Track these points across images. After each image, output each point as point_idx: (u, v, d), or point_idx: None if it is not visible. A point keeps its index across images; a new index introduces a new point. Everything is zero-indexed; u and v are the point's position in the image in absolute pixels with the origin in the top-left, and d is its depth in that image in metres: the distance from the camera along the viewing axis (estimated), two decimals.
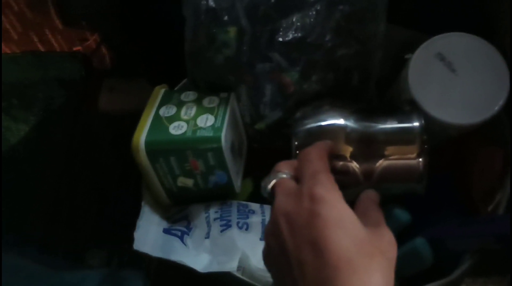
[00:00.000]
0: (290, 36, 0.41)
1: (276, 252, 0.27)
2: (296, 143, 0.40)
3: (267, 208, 0.43)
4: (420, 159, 0.37)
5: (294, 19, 0.40)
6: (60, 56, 0.76)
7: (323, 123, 0.41)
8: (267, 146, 0.48)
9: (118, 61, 0.78)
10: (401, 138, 0.38)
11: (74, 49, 0.76)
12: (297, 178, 0.30)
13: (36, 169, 0.63)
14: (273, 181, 0.31)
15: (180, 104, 0.44)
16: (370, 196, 0.32)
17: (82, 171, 0.67)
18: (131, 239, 0.37)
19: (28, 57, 0.73)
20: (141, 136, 0.41)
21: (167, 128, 0.41)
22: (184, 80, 0.49)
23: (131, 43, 0.73)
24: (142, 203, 0.42)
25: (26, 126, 0.67)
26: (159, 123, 0.42)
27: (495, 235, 0.34)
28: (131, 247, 0.37)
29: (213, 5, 0.40)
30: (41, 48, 0.76)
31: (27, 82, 0.70)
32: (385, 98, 0.49)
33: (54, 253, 0.58)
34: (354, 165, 0.39)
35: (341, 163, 0.39)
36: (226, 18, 0.40)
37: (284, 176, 0.31)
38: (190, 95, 0.45)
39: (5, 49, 0.74)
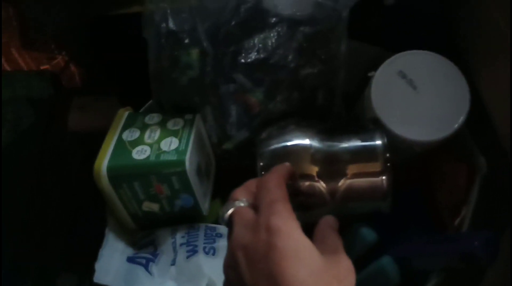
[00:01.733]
0: (253, 57, 0.41)
1: (234, 285, 0.27)
2: (261, 164, 0.40)
3: None
4: (384, 177, 0.38)
5: (256, 41, 0.40)
6: (27, 74, 0.74)
7: (288, 144, 0.40)
8: (236, 165, 0.48)
9: (88, 80, 0.77)
10: (364, 156, 0.39)
11: (42, 67, 0.75)
12: (255, 206, 0.30)
13: (5, 190, 0.61)
14: (231, 210, 0.30)
15: (144, 127, 0.43)
16: (328, 222, 0.31)
17: (53, 191, 0.65)
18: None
19: None
20: (103, 161, 0.40)
21: (130, 153, 0.40)
22: (149, 102, 0.49)
23: (100, 61, 0.72)
24: (106, 230, 0.41)
25: None
26: (122, 148, 0.41)
27: (459, 254, 0.34)
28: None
29: (174, 28, 0.40)
30: (8, 68, 0.74)
31: None
32: (352, 116, 0.49)
33: (25, 276, 0.56)
34: (321, 184, 0.39)
35: (307, 183, 0.39)
36: (187, 40, 0.40)
37: (242, 204, 0.30)
38: (154, 118, 0.44)
39: None
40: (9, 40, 0.72)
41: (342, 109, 0.49)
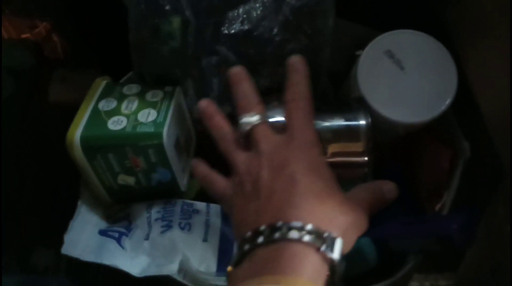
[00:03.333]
0: (237, 28, 0.39)
1: (246, 187, 0.30)
2: (241, 140, 0.39)
3: (213, 207, 0.41)
4: (366, 158, 0.37)
5: (240, 11, 0.39)
6: (9, 43, 0.71)
7: (270, 120, 0.39)
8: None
9: (70, 51, 0.74)
10: (346, 136, 0.38)
11: (23, 36, 0.72)
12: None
13: None
14: (253, 122, 0.33)
15: (121, 98, 0.41)
16: (381, 187, 0.33)
17: (31, 164, 0.64)
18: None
19: None
20: (77, 130, 0.38)
21: (106, 123, 0.39)
22: (130, 73, 0.47)
23: (82, 31, 0.69)
24: (79, 202, 0.40)
25: None
26: (97, 117, 0.39)
27: (436, 237, 0.33)
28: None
29: None
30: None
31: None
32: (339, 94, 0.48)
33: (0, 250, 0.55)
34: None
35: None
36: (168, 7, 0.38)
37: (262, 120, 0.33)
38: (133, 89, 0.43)
39: None
40: None
41: (328, 87, 0.48)
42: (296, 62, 0.35)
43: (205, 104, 0.36)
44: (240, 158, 0.33)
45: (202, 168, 0.36)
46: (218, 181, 0.34)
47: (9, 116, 0.65)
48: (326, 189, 0.29)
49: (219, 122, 0.35)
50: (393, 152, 0.45)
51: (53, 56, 0.74)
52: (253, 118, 0.33)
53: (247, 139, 0.33)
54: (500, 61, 0.35)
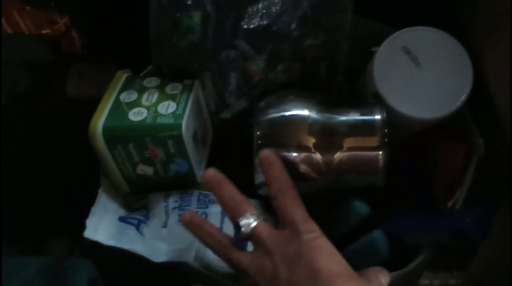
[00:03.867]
0: (256, 23, 0.40)
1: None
2: (258, 133, 0.39)
3: None
4: (380, 152, 0.37)
5: (260, 6, 0.39)
6: (27, 38, 0.73)
7: (286, 113, 0.40)
8: (232, 135, 0.48)
9: (89, 46, 0.76)
10: (362, 130, 0.38)
11: (43, 32, 0.74)
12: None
13: None
14: (253, 225, 0.33)
15: (142, 90, 0.43)
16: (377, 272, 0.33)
17: (47, 157, 0.65)
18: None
19: None
20: (99, 121, 0.39)
21: (127, 114, 0.40)
22: (149, 67, 0.48)
23: (101, 26, 0.71)
24: (99, 190, 0.41)
25: None
26: (118, 109, 0.40)
27: (450, 231, 0.34)
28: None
29: None
30: (8, 30, 0.73)
31: None
32: (354, 90, 0.49)
33: (17, 240, 0.56)
34: (317, 156, 0.39)
35: (304, 154, 0.39)
36: (190, 2, 0.39)
37: (258, 220, 0.33)
38: (153, 81, 0.44)
39: None
40: (11, 2, 0.71)
41: (343, 83, 0.48)
42: (267, 156, 0.36)
43: (188, 216, 0.35)
44: (245, 259, 0.32)
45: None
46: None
47: (26, 110, 0.66)
48: (345, 272, 0.30)
49: (209, 230, 0.35)
50: (409, 148, 0.46)
51: (71, 51, 0.76)
52: (250, 220, 0.33)
53: (248, 240, 0.34)
54: None
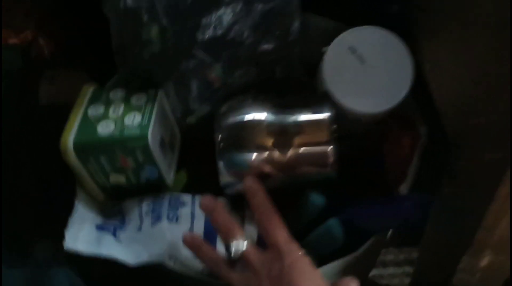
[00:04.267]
0: (210, 33, 0.42)
1: None
2: (220, 136, 0.42)
3: (198, 198, 0.45)
4: (330, 147, 0.41)
5: (212, 18, 0.42)
6: None
7: (245, 117, 0.43)
8: (199, 138, 0.50)
9: (57, 52, 0.77)
10: (313, 127, 0.42)
11: (10, 41, 0.74)
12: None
13: None
14: (242, 250, 0.37)
15: (108, 103, 0.45)
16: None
17: (24, 161, 0.67)
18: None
19: None
20: (69, 137, 0.42)
21: (95, 128, 0.42)
22: (115, 76, 0.50)
23: (69, 34, 0.72)
24: (76, 201, 0.43)
25: None
26: (87, 123, 0.43)
27: (393, 215, 0.38)
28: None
29: (132, 5, 0.41)
30: None
31: None
32: (314, 85, 0.52)
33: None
34: (276, 154, 0.42)
35: (264, 153, 0.42)
36: (146, 17, 0.41)
37: (247, 244, 0.37)
38: (118, 93, 0.46)
39: None
40: None
41: (304, 78, 0.51)
42: (251, 185, 0.39)
43: (189, 239, 0.39)
44: (235, 278, 0.37)
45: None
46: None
47: (1, 118, 0.67)
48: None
49: (207, 251, 0.39)
50: (362, 140, 0.49)
51: (40, 58, 0.77)
52: (240, 244, 0.37)
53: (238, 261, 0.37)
54: (449, 55, 0.39)
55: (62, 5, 0.66)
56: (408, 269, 0.62)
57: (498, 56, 0.27)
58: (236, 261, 0.37)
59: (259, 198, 0.39)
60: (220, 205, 0.40)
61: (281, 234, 0.37)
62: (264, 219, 0.38)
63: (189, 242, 0.39)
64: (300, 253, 0.36)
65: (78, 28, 0.69)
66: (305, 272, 0.35)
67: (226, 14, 0.42)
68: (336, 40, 0.45)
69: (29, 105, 0.70)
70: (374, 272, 0.62)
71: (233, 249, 0.37)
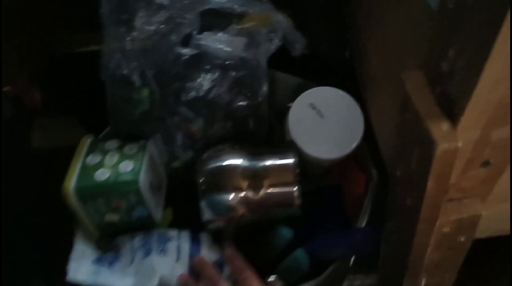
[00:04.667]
0: (193, 95, 0.51)
1: None
2: (200, 180, 0.50)
3: (183, 233, 0.52)
4: (295, 188, 0.49)
5: (195, 83, 0.50)
6: None
7: (222, 163, 0.51)
8: (184, 179, 0.58)
9: (49, 101, 0.83)
10: (280, 172, 0.50)
11: (4, 89, 0.80)
12: None
13: None
14: None
15: (104, 153, 0.52)
16: None
17: (16, 205, 0.71)
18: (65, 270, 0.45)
19: None
20: (71, 183, 0.48)
21: (93, 175, 0.49)
22: (107, 128, 0.57)
23: (60, 86, 0.78)
24: (75, 239, 0.50)
25: None
26: (86, 171, 0.50)
27: (347, 246, 0.45)
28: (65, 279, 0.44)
29: (126, 73, 0.49)
30: None
31: None
32: (282, 135, 0.60)
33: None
34: (250, 194, 0.50)
35: (240, 194, 0.50)
36: (138, 83, 0.49)
37: None
38: (113, 144, 0.53)
39: None
40: None
41: (276, 125, 0.59)
42: (230, 254, 0.48)
43: (183, 279, 0.47)
44: None
45: None
46: None
47: None
48: None
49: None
50: (326, 178, 0.57)
51: (33, 106, 0.83)
52: None
53: None
54: (383, 106, 0.47)
55: (56, 61, 0.73)
56: None
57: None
58: None
59: (239, 263, 0.46)
60: (207, 263, 0.48)
61: (256, 285, 0.44)
62: (246, 279, 0.44)
63: (183, 284, 0.46)
64: None
65: (70, 80, 0.76)
66: None
67: (206, 79, 0.50)
68: (299, 98, 0.54)
69: (21, 151, 0.75)
70: None
71: None
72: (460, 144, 0.26)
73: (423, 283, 0.42)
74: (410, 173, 0.32)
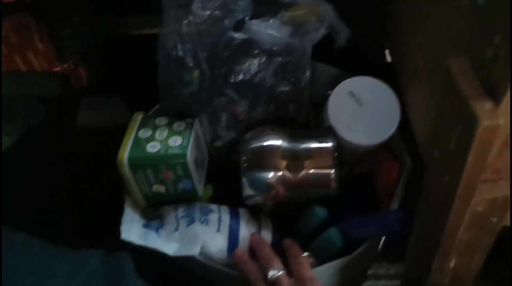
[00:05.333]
0: (240, 78, 0.54)
1: None
2: (243, 158, 0.53)
3: (223, 208, 0.56)
4: (332, 171, 0.51)
5: (243, 66, 0.54)
6: (40, 75, 0.84)
7: (264, 143, 0.54)
8: (223, 159, 0.61)
9: (95, 81, 0.88)
10: (319, 155, 0.52)
11: (54, 69, 0.86)
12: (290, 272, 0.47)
13: (19, 177, 0.70)
14: (278, 275, 0.46)
15: (155, 128, 0.56)
16: None
17: (61, 180, 0.76)
18: (111, 234, 0.48)
19: (11, 76, 0.80)
20: (125, 153, 0.52)
21: (145, 147, 0.53)
22: (157, 106, 0.61)
23: (111, 71, 0.83)
24: (125, 206, 0.54)
25: (9, 139, 0.74)
26: (138, 143, 0.54)
27: (381, 226, 0.48)
28: (111, 240, 0.47)
29: (181, 54, 0.53)
30: (23, 69, 0.85)
31: (10, 98, 0.78)
32: (317, 123, 0.63)
33: None
34: (288, 174, 0.53)
35: (278, 173, 0.53)
36: (191, 64, 0.53)
37: (283, 272, 0.46)
38: (162, 120, 0.57)
39: None
40: (26, 44, 0.83)
41: (312, 115, 0.63)
42: (288, 243, 0.50)
43: (240, 253, 0.50)
44: None
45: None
46: None
47: (42, 140, 0.77)
48: None
49: (251, 268, 0.48)
50: (358, 166, 0.60)
51: (79, 86, 0.88)
52: (275, 272, 0.46)
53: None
54: (422, 96, 0.50)
55: (108, 42, 0.78)
56: (398, 282, 0.71)
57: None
58: (272, 283, 0.46)
59: (295, 248, 0.49)
60: (264, 242, 0.50)
61: (307, 271, 0.46)
62: (295, 259, 0.47)
63: (239, 257, 0.49)
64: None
65: (119, 62, 0.80)
66: None
67: (253, 64, 0.54)
68: (339, 86, 0.56)
69: (67, 129, 0.80)
70: (367, 284, 0.71)
71: (270, 273, 0.46)
72: (501, 122, 0.28)
73: (452, 263, 0.44)
74: (449, 153, 0.34)
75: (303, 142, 0.54)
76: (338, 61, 0.65)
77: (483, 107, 0.29)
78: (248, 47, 0.53)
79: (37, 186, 0.71)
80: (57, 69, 0.86)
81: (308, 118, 0.62)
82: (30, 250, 0.41)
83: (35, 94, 0.81)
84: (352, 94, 0.56)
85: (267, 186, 0.53)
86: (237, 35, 0.51)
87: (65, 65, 0.86)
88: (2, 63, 0.83)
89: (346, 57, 0.64)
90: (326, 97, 0.59)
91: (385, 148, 0.58)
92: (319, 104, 0.61)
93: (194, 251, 0.49)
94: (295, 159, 0.53)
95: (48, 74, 0.85)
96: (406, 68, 0.55)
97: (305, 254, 0.50)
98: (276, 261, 0.47)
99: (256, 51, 0.53)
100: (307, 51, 0.53)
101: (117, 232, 0.49)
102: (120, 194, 0.56)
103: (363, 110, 0.55)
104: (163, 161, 0.52)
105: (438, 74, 0.38)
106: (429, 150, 0.38)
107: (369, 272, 0.69)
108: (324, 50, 0.57)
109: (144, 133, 0.55)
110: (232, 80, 0.54)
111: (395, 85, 0.57)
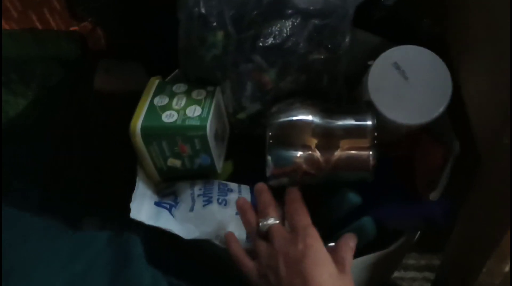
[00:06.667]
0: (270, 42, 0.48)
1: (271, 279, 0.38)
2: (270, 133, 0.47)
3: (243, 187, 0.50)
4: (371, 152, 0.45)
5: (273, 28, 0.47)
6: (57, 34, 0.80)
7: (293, 118, 0.48)
8: (246, 133, 0.56)
9: (113, 44, 0.83)
10: (356, 133, 0.46)
11: (71, 29, 0.81)
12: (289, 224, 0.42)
13: (33, 140, 0.67)
14: (270, 224, 0.42)
15: (172, 95, 0.50)
16: (347, 242, 0.41)
17: (76, 142, 0.73)
18: (122, 209, 0.44)
19: (27, 35, 0.76)
20: (138, 122, 0.47)
21: (160, 116, 0.48)
22: (176, 71, 0.56)
23: (129, 32, 0.78)
24: (137, 179, 0.49)
25: (25, 100, 0.71)
26: (153, 111, 0.48)
27: (422, 217, 0.42)
28: (122, 216, 0.44)
29: (204, 12, 0.46)
30: (40, 27, 0.80)
31: (26, 58, 0.74)
32: (351, 97, 0.56)
33: (50, 217, 0.64)
34: (318, 154, 0.47)
35: (307, 152, 0.47)
36: (215, 23, 0.47)
37: (276, 221, 0.42)
38: (181, 87, 0.52)
39: (5, 26, 0.78)
40: (43, 1, 0.78)
41: (343, 90, 0.56)
42: (291, 191, 0.45)
43: (241, 202, 0.46)
44: (261, 247, 0.41)
45: (234, 246, 0.43)
46: (245, 263, 0.42)
47: (59, 100, 0.73)
48: (331, 280, 0.38)
49: (250, 216, 0.44)
50: (397, 148, 0.53)
51: (97, 48, 0.83)
52: (269, 221, 0.42)
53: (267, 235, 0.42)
54: (484, 75, 0.43)
55: (126, 14, 0.72)
56: (428, 274, 0.66)
57: None
58: (265, 234, 0.42)
59: (294, 192, 0.45)
60: (268, 190, 0.45)
61: (302, 219, 0.41)
62: (291, 205, 0.43)
63: (240, 204, 0.45)
64: (314, 239, 0.39)
65: (134, 23, 0.75)
66: (317, 261, 0.38)
67: (285, 26, 0.47)
68: (382, 56, 0.49)
69: (84, 91, 0.76)
70: (395, 274, 0.66)
71: (262, 223, 0.42)
72: None
73: (507, 267, 0.38)
74: None
75: (338, 119, 0.47)
76: (377, 29, 0.57)
77: None
78: (281, 7, 0.46)
79: (50, 149, 0.68)
80: (74, 28, 0.82)
81: (339, 92, 0.55)
82: (26, 227, 0.37)
83: (51, 54, 0.77)
84: (396, 66, 0.49)
85: (294, 166, 0.47)
86: None
87: (82, 24, 0.81)
88: (18, 20, 0.79)
89: (388, 25, 0.56)
90: (365, 69, 0.52)
91: (428, 129, 0.51)
92: (354, 77, 0.54)
93: (210, 235, 0.45)
94: (328, 137, 0.47)
95: (65, 34, 0.81)
96: (462, 42, 0.47)
97: (331, 245, 0.45)
98: (272, 210, 0.43)
99: (289, 12, 0.46)
100: (349, 13, 0.45)
101: (127, 209, 0.45)
102: (134, 166, 0.52)
103: (408, 84, 0.48)
104: (180, 132, 0.47)
105: (502, 48, 0.31)
106: (495, 135, 0.32)
107: None
108: (362, 16, 0.50)
109: (160, 101, 0.50)
110: (260, 44, 0.47)
111: (446, 59, 0.49)
